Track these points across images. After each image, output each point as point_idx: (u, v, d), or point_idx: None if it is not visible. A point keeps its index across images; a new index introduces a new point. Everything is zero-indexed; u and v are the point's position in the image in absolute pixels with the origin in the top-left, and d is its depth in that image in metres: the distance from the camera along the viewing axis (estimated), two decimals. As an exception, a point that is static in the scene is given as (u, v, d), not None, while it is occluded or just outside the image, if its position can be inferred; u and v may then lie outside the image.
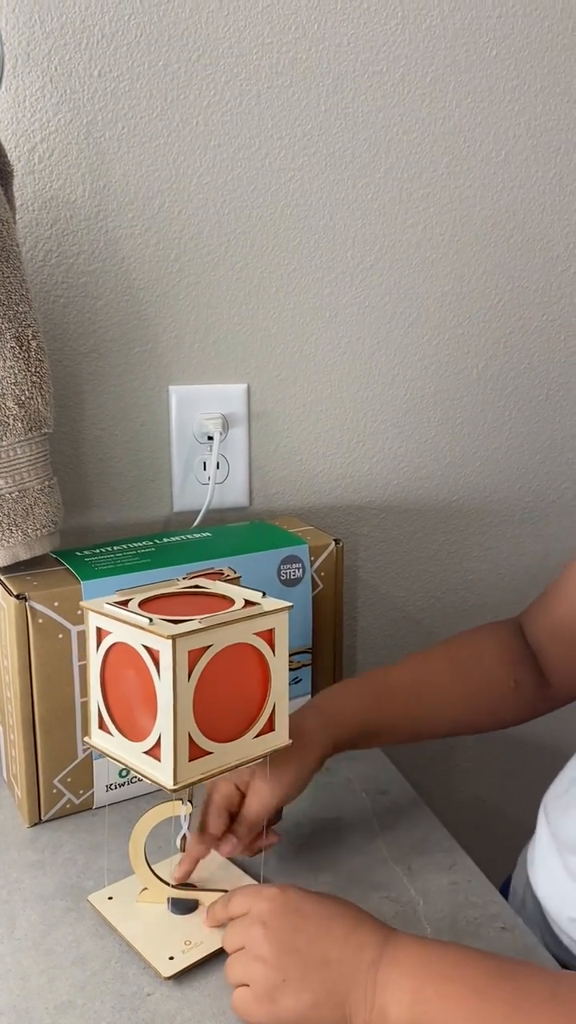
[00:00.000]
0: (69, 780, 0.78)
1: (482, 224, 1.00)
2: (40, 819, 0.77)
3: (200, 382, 0.95)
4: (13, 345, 0.73)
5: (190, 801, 0.64)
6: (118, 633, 0.61)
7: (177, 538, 0.86)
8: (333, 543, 0.88)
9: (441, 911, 0.67)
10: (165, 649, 0.57)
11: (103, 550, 0.82)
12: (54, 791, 0.77)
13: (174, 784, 0.58)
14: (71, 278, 0.88)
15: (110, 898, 0.67)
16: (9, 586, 0.74)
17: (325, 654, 0.90)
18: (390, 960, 0.53)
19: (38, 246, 0.86)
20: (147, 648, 0.58)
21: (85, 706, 0.76)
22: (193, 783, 0.59)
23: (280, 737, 0.64)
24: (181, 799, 0.64)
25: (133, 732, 0.61)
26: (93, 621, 0.63)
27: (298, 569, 0.85)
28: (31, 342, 0.74)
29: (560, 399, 1.09)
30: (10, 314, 0.73)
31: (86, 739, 0.65)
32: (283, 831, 0.75)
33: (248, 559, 0.83)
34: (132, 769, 0.61)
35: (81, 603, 0.64)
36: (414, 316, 1.00)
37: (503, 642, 0.81)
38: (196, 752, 0.59)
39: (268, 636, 0.62)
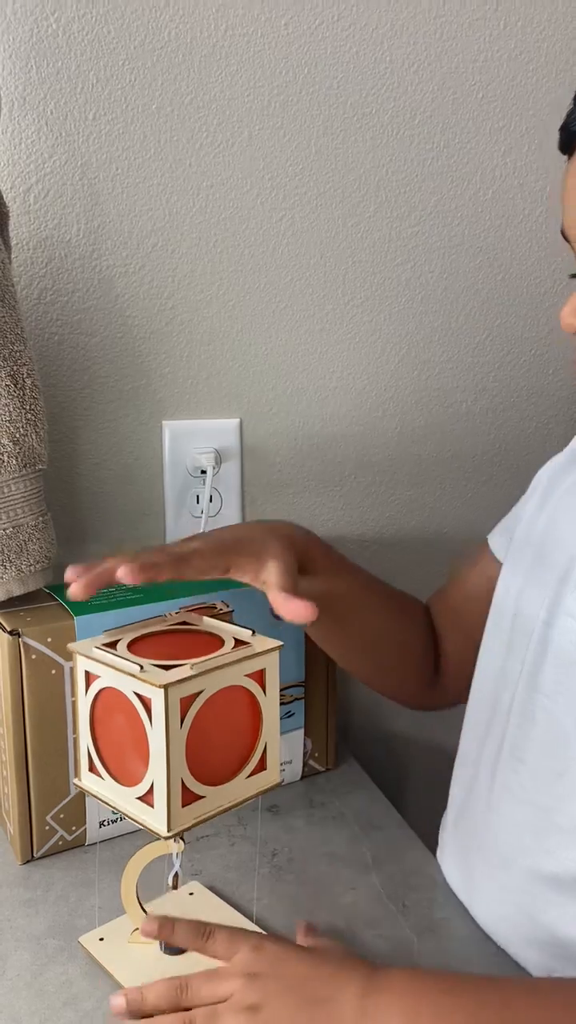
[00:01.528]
0: (62, 816, 0.77)
1: (470, 261, 1.01)
2: (32, 856, 0.77)
3: (193, 417, 0.96)
4: (8, 383, 0.74)
5: (182, 839, 0.64)
6: (108, 678, 0.60)
7: (170, 572, 0.87)
8: (325, 576, 0.88)
9: (436, 948, 0.67)
10: (157, 698, 0.57)
11: (96, 585, 0.83)
12: (47, 828, 0.77)
13: (168, 831, 0.58)
14: (65, 315, 0.89)
15: (101, 939, 0.67)
16: (2, 622, 0.75)
17: (318, 687, 0.90)
18: (378, 987, 0.53)
19: (33, 284, 0.88)
20: (138, 695, 0.58)
21: (77, 743, 0.76)
22: (187, 828, 0.59)
23: (272, 776, 0.64)
24: (172, 837, 0.64)
25: (125, 777, 0.61)
26: (82, 665, 0.62)
27: (290, 603, 0.86)
28: (26, 380, 0.75)
29: (549, 431, 1.10)
30: (5, 353, 0.74)
31: (76, 781, 0.65)
32: (274, 864, 0.75)
33: (241, 593, 0.83)
34: (124, 814, 0.61)
35: (69, 646, 0.64)
36: (404, 351, 1.02)
37: (427, 618, 0.86)
38: (189, 797, 0.59)
39: (259, 677, 0.62)
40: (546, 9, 0.97)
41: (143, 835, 0.80)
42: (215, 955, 0.59)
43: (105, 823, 0.79)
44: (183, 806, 0.59)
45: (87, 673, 0.62)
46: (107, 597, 0.79)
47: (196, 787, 0.59)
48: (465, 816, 0.72)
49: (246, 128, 0.90)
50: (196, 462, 0.96)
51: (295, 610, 0.61)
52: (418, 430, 1.05)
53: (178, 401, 0.95)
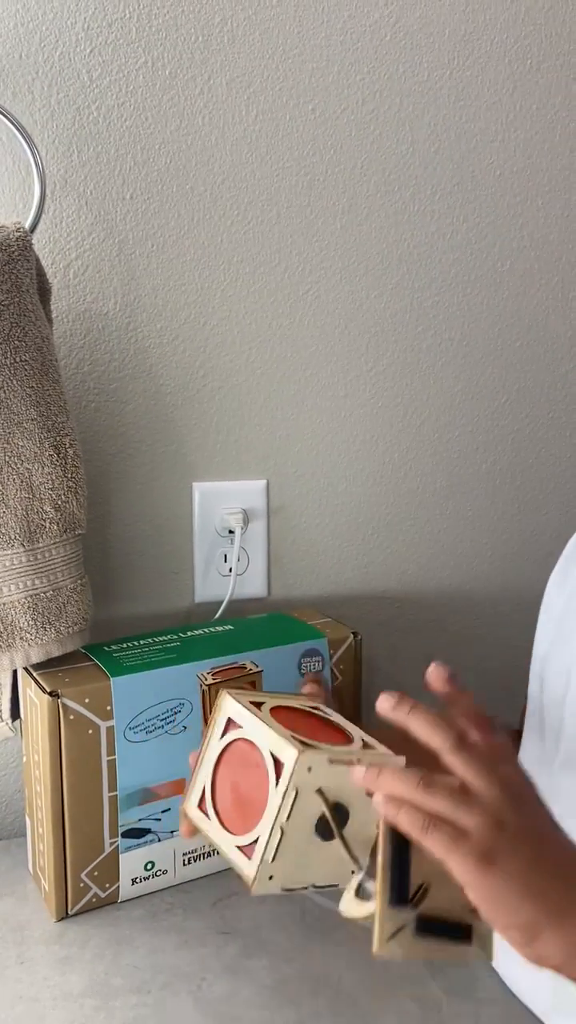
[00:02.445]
0: (96, 874, 0.79)
1: (489, 330, 1.05)
2: (67, 913, 0.79)
3: (222, 479, 0.99)
4: (51, 453, 0.78)
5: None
6: (249, 731, 0.63)
7: (200, 631, 0.90)
8: (351, 636, 0.91)
9: (466, 1009, 0.68)
10: (289, 764, 0.59)
11: (129, 644, 0.85)
12: (81, 885, 0.79)
13: (253, 890, 0.59)
14: (102, 384, 0.93)
15: None
16: (42, 683, 0.77)
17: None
18: None
19: (72, 355, 0.92)
20: (274, 756, 0.60)
21: (113, 800, 0.78)
22: (269, 892, 0.60)
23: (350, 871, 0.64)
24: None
25: (232, 824, 0.63)
26: (229, 710, 0.65)
27: (318, 663, 0.88)
28: (68, 450, 0.79)
29: (566, 492, 1.13)
30: (49, 424, 0.78)
31: (183, 806, 0.66)
32: (294, 919, 0.76)
33: (269, 653, 0.85)
34: (221, 853, 0.62)
35: (224, 691, 0.66)
36: (425, 416, 1.05)
37: None
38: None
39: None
40: (559, 94, 1.02)
41: (174, 892, 0.82)
42: (464, 774, 0.53)
43: (137, 880, 0.81)
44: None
45: (230, 720, 0.65)
46: (141, 658, 0.82)
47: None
48: None
49: (275, 207, 0.95)
50: (224, 522, 0.99)
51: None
52: (440, 491, 1.08)
53: (208, 463, 0.98)
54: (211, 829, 0.64)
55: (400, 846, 0.55)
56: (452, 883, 0.55)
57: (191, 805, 0.66)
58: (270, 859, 0.59)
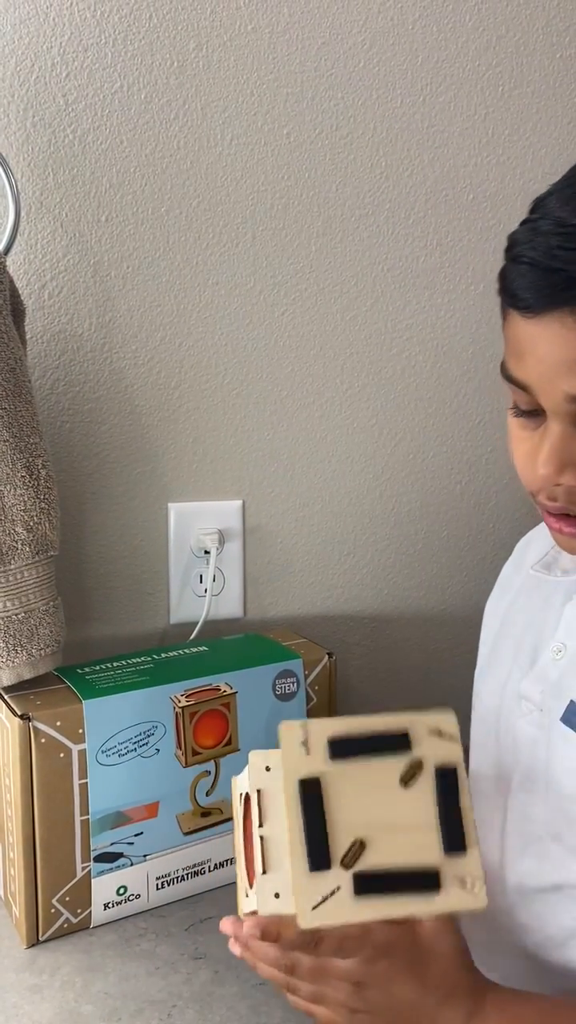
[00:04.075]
0: (67, 899, 0.78)
1: (462, 352, 1.06)
2: (38, 939, 0.78)
3: (198, 499, 0.99)
4: (24, 474, 0.78)
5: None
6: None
7: (174, 653, 0.89)
8: (326, 656, 0.91)
9: None
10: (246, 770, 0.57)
11: (103, 666, 0.85)
12: (52, 910, 0.78)
13: (259, 912, 0.54)
14: (77, 405, 0.93)
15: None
16: (13, 705, 0.77)
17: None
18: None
19: (46, 376, 0.92)
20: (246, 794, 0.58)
21: (85, 824, 0.78)
22: (280, 910, 0.54)
23: None
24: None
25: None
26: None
27: (292, 684, 0.88)
28: (41, 471, 0.79)
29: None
30: (21, 445, 0.78)
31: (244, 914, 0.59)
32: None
33: (244, 674, 0.85)
34: (278, 909, 0.55)
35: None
36: (400, 436, 1.06)
37: None
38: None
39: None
40: (530, 120, 1.03)
41: (147, 916, 0.81)
42: (324, 954, 0.54)
43: (110, 905, 0.80)
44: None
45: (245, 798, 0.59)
46: (114, 680, 0.81)
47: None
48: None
49: (249, 229, 0.96)
50: (200, 543, 0.99)
51: None
52: (414, 510, 1.08)
53: (183, 484, 0.98)
54: (255, 897, 0.56)
55: (311, 806, 0.51)
56: (406, 829, 0.52)
57: (242, 906, 0.59)
58: (260, 872, 0.53)
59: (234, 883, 0.86)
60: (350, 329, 1.01)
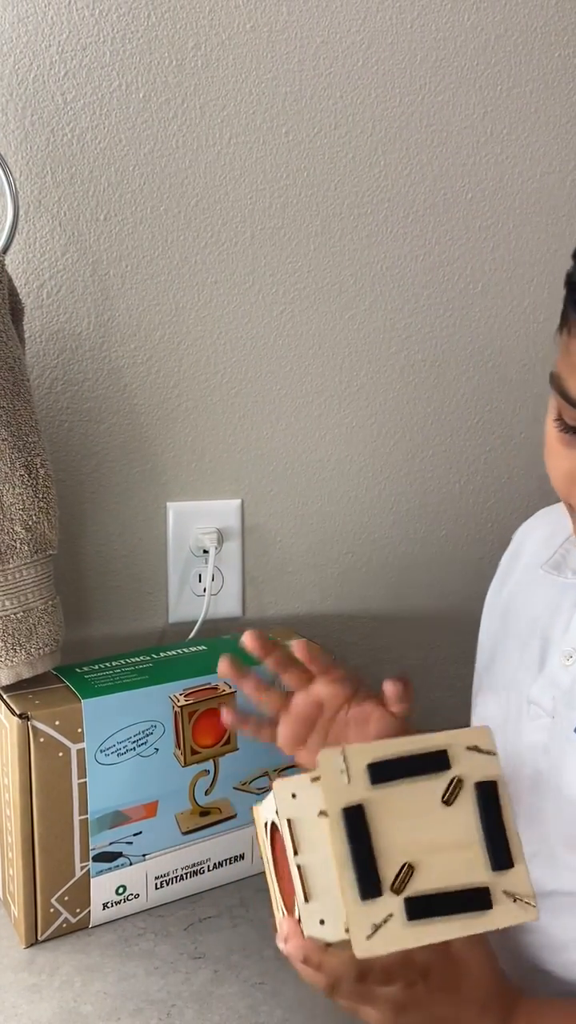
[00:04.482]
0: (66, 899, 0.78)
1: (461, 350, 1.06)
2: (37, 939, 0.78)
3: (196, 498, 0.99)
4: (23, 473, 0.78)
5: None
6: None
7: (173, 652, 0.89)
8: (325, 656, 0.91)
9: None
10: (272, 797, 0.56)
11: (101, 666, 0.85)
12: (51, 910, 0.78)
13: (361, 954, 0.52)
14: (76, 404, 0.93)
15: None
16: (12, 705, 0.77)
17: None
18: None
19: (45, 375, 0.91)
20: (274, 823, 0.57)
21: (83, 823, 0.78)
22: (330, 937, 0.53)
23: None
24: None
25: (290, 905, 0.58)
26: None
27: (291, 683, 0.88)
28: (40, 470, 0.79)
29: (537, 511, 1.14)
30: (20, 444, 0.78)
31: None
32: (268, 943, 0.76)
33: (243, 673, 0.85)
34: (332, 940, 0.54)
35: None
36: (399, 435, 1.06)
37: None
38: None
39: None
40: (529, 119, 1.03)
41: (145, 916, 0.81)
42: (371, 983, 0.55)
43: (109, 905, 0.80)
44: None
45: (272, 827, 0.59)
46: (113, 679, 0.81)
47: None
48: None
49: (248, 228, 0.95)
50: (199, 542, 0.99)
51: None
52: (413, 510, 1.08)
53: (182, 483, 0.98)
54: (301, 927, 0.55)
55: (357, 834, 0.51)
56: (452, 848, 0.51)
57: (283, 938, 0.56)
58: (303, 901, 0.52)
59: (233, 883, 0.86)
60: (348, 328, 1.01)
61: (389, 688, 0.64)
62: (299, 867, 0.53)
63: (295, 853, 0.53)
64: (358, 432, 1.04)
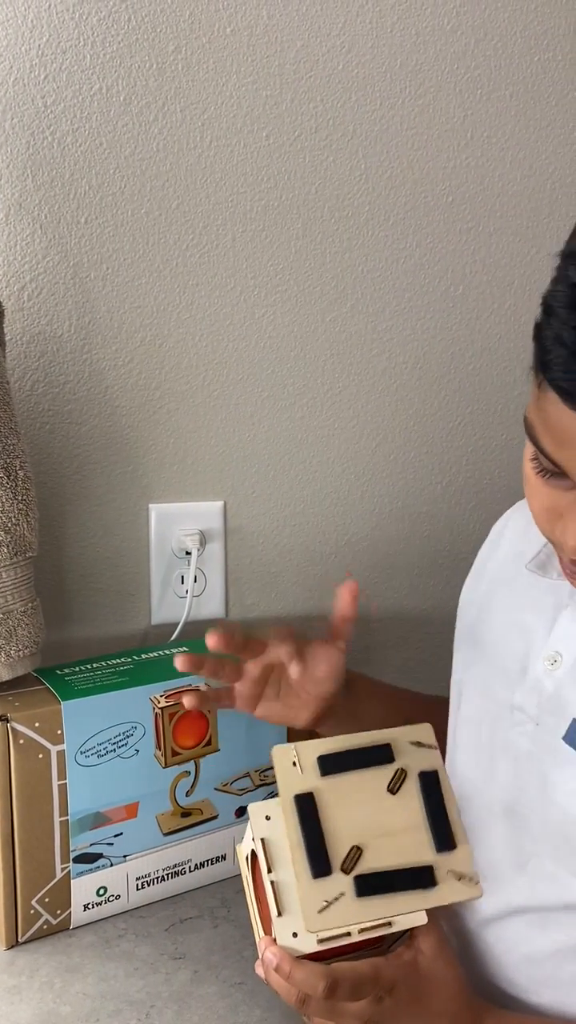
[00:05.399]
0: (47, 900, 0.78)
1: (443, 352, 1.07)
2: (17, 941, 0.78)
3: (179, 500, 0.99)
4: (1, 476, 0.78)
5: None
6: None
7: (154, 654, 0.89)
8: (306, 657, 0.91)
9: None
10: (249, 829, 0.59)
11: (82, 667, 0.85)
12: (31, 912, 0.78)
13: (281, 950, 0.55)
14: (57, 406, 0.93)
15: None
16: (-8, 707, 0.77)
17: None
18: None
19: (26, 377, 0.92)
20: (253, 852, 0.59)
21: (64, 825, 0.78)
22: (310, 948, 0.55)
23: None
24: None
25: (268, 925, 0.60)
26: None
27: (272, 684, 0.88)
28: (19, 472, 0.79)
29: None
30: (-1, 447, 0.78)
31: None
32: (249, 942, 0.76)
33: (224, 675, 0.85)
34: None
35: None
36: (381, 436, 1.06)
37: None
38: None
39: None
40: (509, 122, 1.04)
41: (127, 917, 0.82)
42: (340, 999, 0.56)
43: (90, 906, 0.80)
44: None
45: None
46: (93, 681, 0.81)
47: None
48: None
49: (230, 231, 0.96)
50: (181, 544, 0.99)
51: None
52: (395, 511, 1.09)
53: (164, 485, 0.99)
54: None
55: (307, 819, 0.55)
56: (398, 832, 0.55)
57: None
58: (276, 915, 0.55)
59: (215, 883, 0.86)
60: (330, 330, 1.02)
61: (344, 594, 0.68)
62: (272, 883, 0.56)
63: (268, 871, 0.56)
64: (340, 433, 1.04)
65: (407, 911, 0.55)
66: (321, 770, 0.57)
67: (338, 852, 0.55)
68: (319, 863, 0.54)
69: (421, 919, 0.57)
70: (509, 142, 1.05)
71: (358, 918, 0.54)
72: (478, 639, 0.75)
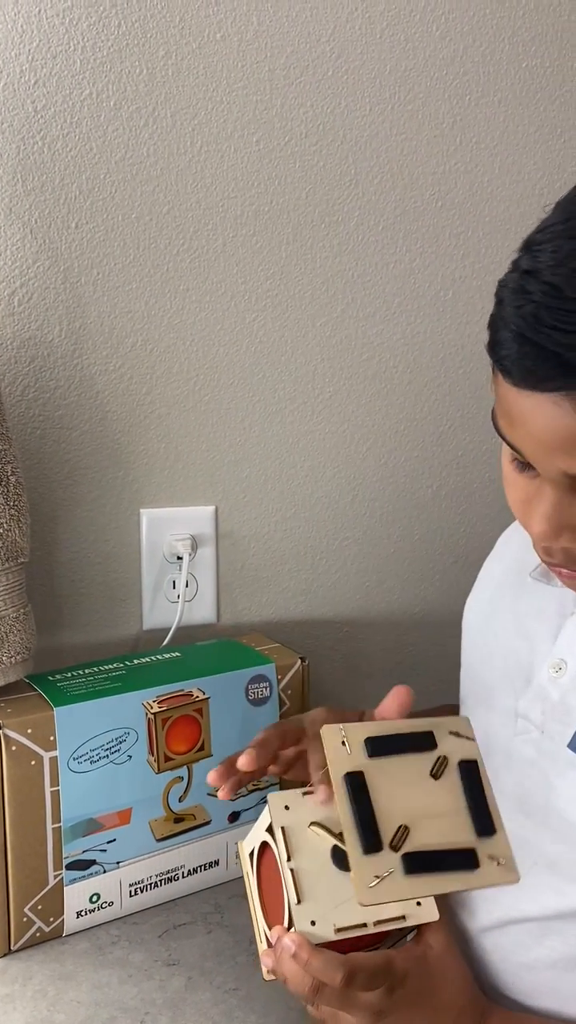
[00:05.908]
0: (40, 908, 0.78)
1: (432, 357, 1.07)
2: (10, 949, 0.77)
3: (170, 505, 0.99)
4: (-7, 481, 0.77)
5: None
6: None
7: (147, 659, 0.89)
8: (299, 661, 0.91)
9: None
10: (267, 811, 0.60)
11: (74, 673, 0.85)
12: (24, 919, 0.77)
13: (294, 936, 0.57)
14: (48, 411, 0.93)
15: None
16: (-17, 713, 0.76)
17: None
18: None
19: (17, 382, 0.91)
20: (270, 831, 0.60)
21: (57, 832, 0.77)
22: (327, 937, 0.57)
23: None
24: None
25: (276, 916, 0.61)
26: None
27: (265, 688, 0.88)
28: (10, 478, 0.79)
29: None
30: (-10, 452, 0.78)
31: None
32: (251, 951, 0.76)
33: (216, 680, 0.85)
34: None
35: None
36: (371, 441, 1.06)
37: None
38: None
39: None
40: (498, 128, 1.05)
41: (120, 924, 0.81)
42: (356, 989, 0.57)
43: (83, 913, 0.80)
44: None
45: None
46: (86, 687, 0.81)
47: None
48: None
49: (220, 236, 0.96)
50: (173, 548, 0.99)
51: None
52: (387, 514, 1.09)
53: (155, 490, 0.98)
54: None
55: (359, 797, 0.56)
56: (441, 815, 0.57)
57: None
58: (295, 901, 0.56)
59: (208, 889, 0.86)
60: (321, 335, 1.02)
61: (391, 702, 0.66)
62: (292, 871, 0.57)
63: (288, 859, 0.57)
64: (331, 438, 1.04)
65: (452, 891, 0.57)
66: (368, 751, 0.58)
67: (387, 830, 0.56)
68: (370, 839, 0.55)
69: (433, 915, 0.58)
70: (498, 147, 1.05)
71: (406, 895, 0.55)
72: (483, 648, 0.75)
